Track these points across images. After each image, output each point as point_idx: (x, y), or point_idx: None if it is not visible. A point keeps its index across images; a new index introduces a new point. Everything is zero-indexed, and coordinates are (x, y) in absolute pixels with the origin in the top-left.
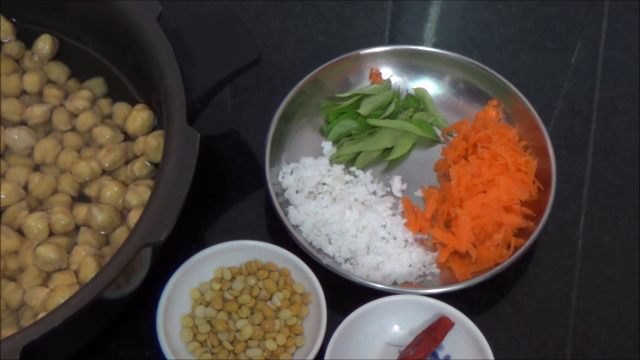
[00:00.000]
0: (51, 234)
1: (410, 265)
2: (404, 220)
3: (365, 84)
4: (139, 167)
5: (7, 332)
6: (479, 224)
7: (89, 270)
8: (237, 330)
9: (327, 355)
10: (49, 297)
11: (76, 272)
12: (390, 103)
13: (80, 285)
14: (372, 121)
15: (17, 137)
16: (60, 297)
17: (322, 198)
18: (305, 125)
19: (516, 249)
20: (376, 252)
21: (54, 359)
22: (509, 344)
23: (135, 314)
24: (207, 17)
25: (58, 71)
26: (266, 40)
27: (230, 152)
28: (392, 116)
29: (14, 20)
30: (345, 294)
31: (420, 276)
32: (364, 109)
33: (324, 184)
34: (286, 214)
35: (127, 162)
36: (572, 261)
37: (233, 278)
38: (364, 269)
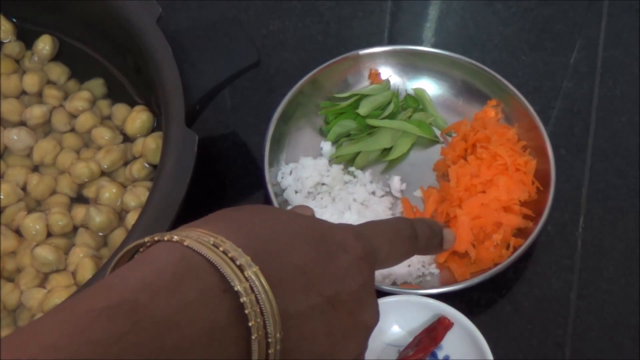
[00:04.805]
0: (49, 234)
1: (409, 266)
2: None
3: (364, 84)
4: (137, 169)
5: (5, 332)
6: (478, 224)
7: (87, 272)
8: None
9: None
10: (46, 299)
11: (73, 274)
12: (389, 103)
13: (78, 286)
14: (371, 121)
15: (16, 137)
16: (57, 299)
17: (321, 198)
18: (304, 126)
19: (515, 249)
20: None
21: None
22: (508, 344)
23: None
24: (207, 19)
25: (58, 72)
26: (265, 40)
27: (230, 152)
28: (391, 116)
29: (14, 20)
30: None
31: (419, 276)
32: (363, 109)
33: (323, 184)
34: None
35: (125, 164)
36: (571, 261)
37: None
38: None
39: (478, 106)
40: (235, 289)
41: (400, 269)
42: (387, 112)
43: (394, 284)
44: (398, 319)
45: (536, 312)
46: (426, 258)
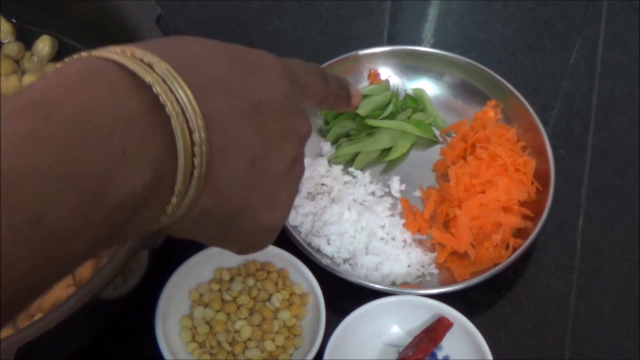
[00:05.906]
0: None
1: (409, 266)
2: (403, 221)
3: (363, 85)
4: None
5: (4, 333)
6: (477, 224)
7: (86, 271)
8: (236, 331)
9: (325, 356)
10: (45, 299)
11: (73, 274)
12: (388, 103)
13: (77, 286)
14: (371, 122)
15: None
16: (57, 299)
17: (321, 199)
18: None
19: (515, 249)
20: (375, 252)
21: (50, 359)
22: (507, 345)
23: (134, 314)
24: (206, 19)
25: None
26: (264, 40)
27: None
28: (391, 116)
29: (14, 20)
30: (344, 295)
31: (419, 277)
32: (362, 110)
33: (322, 184)
34: None
35: None
36: (571, 261)
37: (232, 279)
38: (363, 269)
39: (477, 106)
40: (146, 80)
41: (400, 269)
42: (386, 113)
43: (393, 284)
44: (398, 319)
45: (536, 312)
46: (426, 258)
